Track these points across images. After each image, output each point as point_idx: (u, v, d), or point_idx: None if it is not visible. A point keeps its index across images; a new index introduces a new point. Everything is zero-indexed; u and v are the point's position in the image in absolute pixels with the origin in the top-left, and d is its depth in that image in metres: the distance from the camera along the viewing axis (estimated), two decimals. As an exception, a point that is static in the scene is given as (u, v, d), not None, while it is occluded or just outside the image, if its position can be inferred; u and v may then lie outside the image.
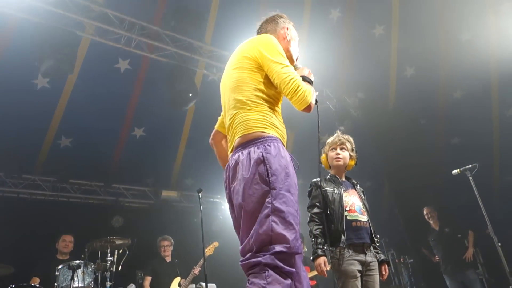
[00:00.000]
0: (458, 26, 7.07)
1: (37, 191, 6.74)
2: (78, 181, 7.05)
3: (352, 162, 3.16)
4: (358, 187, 3.16)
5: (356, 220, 2.87)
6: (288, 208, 1.67)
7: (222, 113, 2.24)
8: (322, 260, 2.72)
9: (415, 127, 8.08)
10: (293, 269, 1.64)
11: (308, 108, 1.87)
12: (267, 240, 1.62)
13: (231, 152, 1.94)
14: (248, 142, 1.82)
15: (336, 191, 2.95)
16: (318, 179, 3.04)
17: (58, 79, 5.68)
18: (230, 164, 1.87)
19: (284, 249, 1.61)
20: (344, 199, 2.91)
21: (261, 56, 1.93)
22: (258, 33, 2.28)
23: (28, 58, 5.27)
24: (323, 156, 3.11)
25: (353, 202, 2.95)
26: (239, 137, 1.87)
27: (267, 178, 1.70)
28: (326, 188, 2.97)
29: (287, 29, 2.22)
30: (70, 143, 6.71)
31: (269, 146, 1.78)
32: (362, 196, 3.09)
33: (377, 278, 2.86)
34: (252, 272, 1.61)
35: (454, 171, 4.40)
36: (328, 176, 3.09)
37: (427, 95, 7.88)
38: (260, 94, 1.91)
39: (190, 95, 6.02)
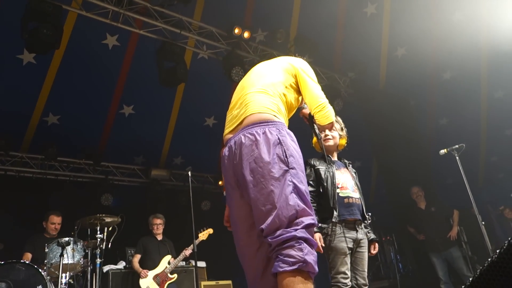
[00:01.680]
0: (450, 5, 7.03)
1: (25, 168, 6.68)
2: (66, 159, 6.99)
3: (343, 141, 3.20)
4: (350, 167, 3.21)
5: (348, 197, 2.95)
6: (305, 187, 1.80)
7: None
8: (317, 236, 2.77)
9: (405, 107, 8.14)
10: (316, 241, 1.76)
11: (329, 125, 2.20)
12: (294, 216, 1.69)
13: (234, 128, 1.97)
14: (260, 122, 1.88)
15: (329, 169, 2.99)
16: (314, 158, 3.10)
17: (45, 55, 5.54)
18: (239, 141, 1.88)
19: (312, 221, 1.72)
20: (336, 177, 2.96)
21: (300, 70, 2.14)
22: None
23: (13, 33, 5.13)
24: (314, 139, 3.11)
25: (345, 180, 3.03)
26: (250, 115, 1.93)
27: (285, 158, 1.79)
28: (318, 167, 3.04)
29: None
30: (58, 121, 6.61)
31: (283, 130, 1.88)
32: (354, 175, 3.15)
33: (366, 255, 2.95)
34: (286, 246, 1.65)
35: (442, 151, 4.47)
36: (322, 158, 3.12)
37: (418, 75, 7.89)
38: (284, 90, 2.06)
39: (181, 72, 5.94)
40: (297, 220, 1.69)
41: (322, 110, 2.11)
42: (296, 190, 1.75)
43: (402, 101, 8.12)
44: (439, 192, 7.32)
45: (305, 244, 1.65)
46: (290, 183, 1.74)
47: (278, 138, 1.82)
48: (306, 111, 2.36)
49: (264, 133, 1.83)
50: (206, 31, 6.42)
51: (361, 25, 7.42)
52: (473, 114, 8.31)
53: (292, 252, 1.63)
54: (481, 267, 1.19)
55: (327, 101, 2.14)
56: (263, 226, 1.71)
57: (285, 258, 1.63)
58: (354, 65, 7.70)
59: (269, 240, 1.69)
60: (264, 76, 2.12)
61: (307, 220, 1.70)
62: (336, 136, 3.14)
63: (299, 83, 2.13)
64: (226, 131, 2.05)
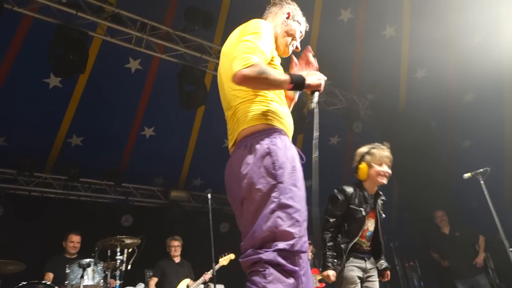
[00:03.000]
0: (470, 27, 6.99)
1: (48, 189, 6.82)
2: (88, 179, 7.11)
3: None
4: (380, 203, 3.07)
5: (361, 245, 2.93)
6: (295, 203, 1.58)
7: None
8: (331, 273, 2.77)
9: (426, 129, 8.01)
10: (296, 268, 1.53)
11: (234, 77, 1.67)
12: (270, 237, 1.52)
13: (232, 145, 1.83)
14: (252, 134, 1.71)
15: (362, 213, 2.86)
16: (351, 188, 2.91)
17: (70, 79, 5.73)
18: (233, 158, 1.77)
19: (287, 247, 1.51)
20: (363, 223, 2.91)
21: (239, 40, 1.82)
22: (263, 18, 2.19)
23: (40, 58, 5.34)
24: (363, 164, 2.97)
25: (367, 227, 2.95)
26: (243, 129, 1.75)
27: (273, 171, 1.60)
28: (353, 206, 2.88)
29: (289, 13, 2.12)
30: (81, 142, 6.77)
31: (275, 138, 1.69)
32: (378, 216, 3.00)
33: (376, 284, 2.92)
34: (252, 270, 1.51)
35: (466, 175, 4.36)
36: (359, 189, 2.94)
37: (438, 97, 7.80)
38: None
39: (201, 95, 6.04)
40: (273, 243, 1.52)
41: (237, 59, 1.71)
42: (281, 208, 1.55)
43: (423, 123, 8.00)
44: (463, 217, 7.11)
45: (271, 269, 1.47)
46: (275, 200, 1.56)
47: (268, 148, 1.64)
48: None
49: (252, 145, 1.67)
50: (226, 55, 6.53)
51: (380, 47, 7.44)
52: (496, 136, 8.12)
53: (256, 278, 1.49)
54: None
55: (251, 54, 1.70)
56: (241, 244, 1.62)
57: (250, 285, 1.51)
58: (373, 87, 7.68)
59: (240, 259, 1.59)
60: (228, 70, 1.84)
61: (282, 244, 1.51)
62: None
63: None
64: (229, 144, 1.90)
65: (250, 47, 1.72)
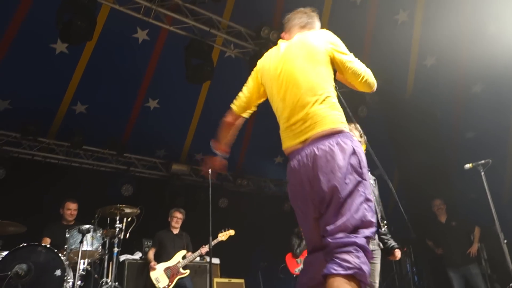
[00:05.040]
0: (484, 18, 6.86)
1: (51, 154, 6.88)
2: (91, 147, 7.16)
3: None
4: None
5: None
6: (372, 199, 1.84)
7: (242, 95, 2.33)
8: None
9: (431, 118, 7.97)
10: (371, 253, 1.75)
11: (374, 89, 2.17)
12: (360, 225, 1.72)
13: (301, 142, 1.94)
14: (332, 134, 1.88)
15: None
16: None
17: (77, 46, 5.69)
18: (311, 153, 1.86)
19: (371, 234, 1.75)
20: None
21: (332, 50, 2.05)
22: (304, 26, 2.29)
23: (48, 23, 5.29)
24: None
25: None
26: (321, 130, 1.89)
27: (360, 169, 1.82)
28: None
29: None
30: (85, 110, 6.78)
31: (354, 141, 1.90)
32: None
33: (377, 266, 2.93)
34: (343, 251, 1.66)
35: (467, 166, 4.37)
36: None
37: (446, 86, 7.74)
38: (331, 84, 2.03)
39: (207, 70, 6.00)
40: (361, 230, 1.72)
41: (369, 77, 2.12)
42: (366, 202, 1.78)
43: (428, 111, 7.95)
44: (461, 207, 7.15)
45: (362, 253, 1.66)
46: (362, 194, 1.78)
47: (353, 148, 1.84)
48: None
49: (338, 143, 1.84)
50: (234, 30, 6.46)
51: (391, 32, 7.33)
52: (501, 130, 8.08)
53: (348, 257, 1.63)
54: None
55: (363, 66, 2.12)
56: (328, 228, 1.74)
57: (341, 262, 1.63)
58: (380, 72, 7.57)
59: (329, 240, 1.70)
60: (311, 79, 2.00)
61: (368, 231, 1.73)
62: None
63: (336, 64, 2.08)
64: (288, 143, 2.02)
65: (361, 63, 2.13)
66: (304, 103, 1.96)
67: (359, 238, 1.68)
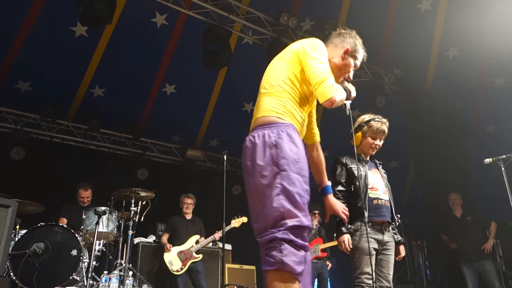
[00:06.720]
0: (509, 8, 6.63)
1: (69, 136, 6.99)
2: (108, 131, 7.25)
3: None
4: (381, 167, 3.14)
5: (377, 198, 2.90)
6: (296, 189, 1.80)
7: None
8: (346, 237, 2.76)
9: (451, 110, 7.80)
10: (306, 243, 1.77)
11: (327, 102, 1.93)
12: (279, 217, 1.74)
13: (252, 128, 2.04)
14: (264, 125, 1.95)
15: (361, 168, 2.96)
16: (344, 157, 3.09)
17: (96, 29, 5.72)
18: (247, 144, 1.98)
19: (296, 223, 1.74)
20: (368, 177, 2.91)
21: (303, 51, 2.04)
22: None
23: (68, 5, 5.32)
24: (358, 133, 3.02)
25: (376, 181, 2.99)
26: (257, 118, 2.01)
27: (277, 161, 1.83)
28: (350, 166, 3.01)
29: (348, 50, 2.23)
30: (103, 93, 6.85)
31: (283, 132, 1.90)
32: (384, 176, 3.09)
33: (392, 258, 2.89)
34: (269, 247, 1.73)
35: (487, 160, 4.28)
36: (352, 154, 3.06)
37: (468, 78, 7.54)
38: (289, 83, 2.02)
39: (225, 56, 5.97)
40: (282, 222, 1.73)
41: (320, 85, 1.92)
42: (284, 192, 1.78)
43: (448, 103, 7.78)
44: (478, 202, 7.03)
45: (286, 245, 1.69)
46: (278, 185, 1.79)
47: (275, 141, 1.86)
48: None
49: (263, 135, 1.90)
50: (253, 17, 6.40)
51: (413, 21, 7.16)
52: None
53: (274, 252, 1.70)
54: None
55: (328, 74, 1.95)
56: (255, 226, 1.83)
57: (267, 258, 1.72)
58: (401, 62, 7.46)
59: (258, 239, 1.80)
60: (270, 74, 2.11)
61: (291, 222, 1.73)
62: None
63: (302, 63, 2.03)
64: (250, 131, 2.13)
65: (328, 71, 1.98)
66: (260, 93, 2.09)
67: (280, 232, 1.71)
